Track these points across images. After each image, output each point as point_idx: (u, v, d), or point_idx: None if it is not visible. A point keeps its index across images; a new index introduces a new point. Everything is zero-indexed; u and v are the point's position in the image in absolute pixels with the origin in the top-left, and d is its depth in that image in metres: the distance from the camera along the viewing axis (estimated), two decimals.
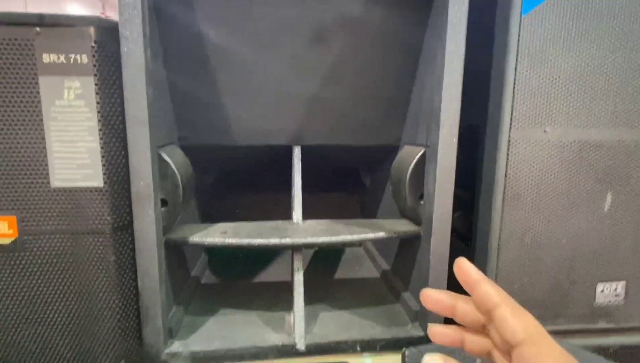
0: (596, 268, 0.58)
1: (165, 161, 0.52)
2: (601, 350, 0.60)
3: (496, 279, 0.57)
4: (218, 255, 0.86)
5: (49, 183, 0.47)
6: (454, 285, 0.56)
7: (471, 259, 0.60)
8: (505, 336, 0.25)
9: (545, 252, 0.57)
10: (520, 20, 0.51)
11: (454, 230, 0.57)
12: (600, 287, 0.59)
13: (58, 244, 0.48)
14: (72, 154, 0.47)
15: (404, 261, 0.67)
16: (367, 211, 0.93)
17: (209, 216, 0.86)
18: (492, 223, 0.55)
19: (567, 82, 0.53)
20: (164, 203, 0.53)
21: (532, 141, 0.53)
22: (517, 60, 0.52)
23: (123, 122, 0.47)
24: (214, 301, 0.64)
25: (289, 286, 0.67)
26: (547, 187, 0.55)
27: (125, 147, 0.48)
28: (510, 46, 0.51)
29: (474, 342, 0.29)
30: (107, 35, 0.46)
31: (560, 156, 0.54)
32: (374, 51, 0.61)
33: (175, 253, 0.62)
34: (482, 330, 0.30)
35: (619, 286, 0.59)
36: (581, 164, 0.55)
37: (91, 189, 0.48)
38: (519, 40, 0.51)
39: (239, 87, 0.61)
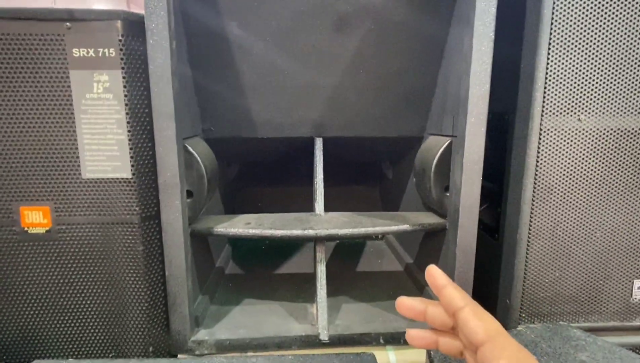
0: (633, 263, 0.55)
1: (190, 152, 0.53)
2: (638, 349, 0.57)
3: (525, 272, 0.55)
4: (241, 246, 0.87)
5: (80, 174, 0.48)
6: (479, 279, 0.55)
7: (499, 252, 0.59)
8: (469, 337, 0.28)
9: (577, 246, 0.54)
10: (553, 3, 0.49)
11: (481, 223, 0.56)
12: (637, 283, 0.56)
13: (90, 234, 0.50)
14: (102, 146, 0.48)
15: (428, 254, 0.66)
16: (389, 203, 0.92)
17: (233, 208, 0.88)
18: (521, 216, 0.53)
19: (603, 68, 0.50)
20: (189, 194, 0.54)
21: (565, 130, 0.51)
22: (549, 44, 0.49)
23: (149, 114, 0.48)
24: (238, 291, 0.65)
25: (311, 278, 0.67)
26: (581, 179, 0.53)
27: (151, 139, 0.49)
28: (543, 29, 0.49)
29: (447, 343, 0.32)
30: (134, 28, 0.47)
31: (595, 146, 0.52)
32: (396, 41, 0.59)
33: (201, 244, 0.63)
34: (453, 332, 0.32)
35: None
36: (618, 154, 0.52)
37: (120, 181, 0.49)
38: (552, 22, 0.49)
39: (261, 80, 0.61)
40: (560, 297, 0.56)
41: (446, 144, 0.56)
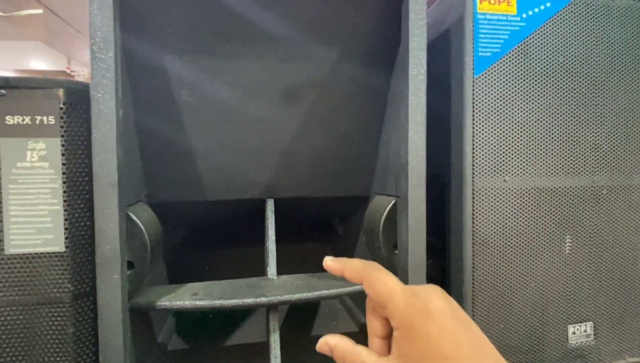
0: (565, 310, 0.60)
1: (133, 221, 0.50)
2: None
3: None
4: (186, 317, 0.80)
5: (2, 249, 0.44)
6: None
7: None
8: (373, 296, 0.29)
9: (517, 297, 0.58)
10: (473, 80, 0.56)
11: (428, 278, 0.58)
12: (571, 329, 0.60)
13: (9, 317, 0.44)
14: (32, 218, 0.44)
15: None
16: None
17: (178, 275, 0.82)
18: (464, 271, 0.56)
19: (521, 135, 0.58)
20: (130, 265, 0.50)
21: (494, 190, 0.57)
22: (473, 116, 0.56)
23: (89, 183, 0.46)
24: None
25: (264, 347, 0.63)
26: (512, 233, 0.58)
27: (90, 209, 0.46)
28: (466, 104, 0.56)
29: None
30: (77, 96, 0.46)
31: (520, 203, 0.58)
32: (343, 106, 0.64)
33: (141, 319, 0.57)
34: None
35: (588, 327, 0.61)
36: (540, 210, 0.58)
37: (51, 255, 0.45)
38: (473, 98, 0.56)
39: (210, 145, 0.62)
40: (506, 348, 0.58)
41: (391, 204, 0.59)
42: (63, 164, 0.45)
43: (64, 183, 0.45)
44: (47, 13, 2.59)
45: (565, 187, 0.59)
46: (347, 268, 0.31)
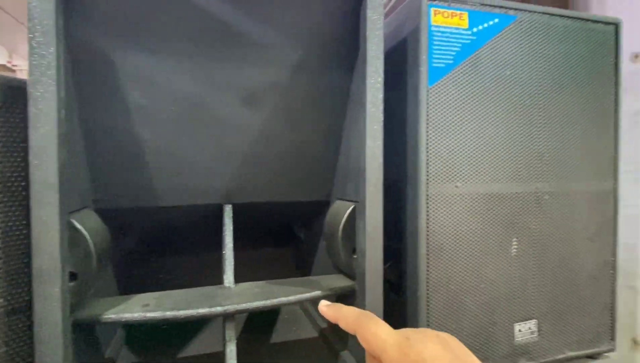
0: (512, 309, 0.63)
1: (76, 228, 0.47)
2: None
3: (428, 326, 0.59)
4: (137, 329, 0.76)
5: None
6: None
7: (404, 308, 0.62)
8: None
9: (468, 297, 0.61)
10: (427, 90, 0.59)
11: (386, 281, 0.59)
12: (517, 327, 0.64)
13: None
14: None
15: None
16: (302, 265, 0.92)
17: (130, 285, 0.78)
18: (419, 274, 0.58)
19: (472, 143, 0.60)
20: (73, 276, 0.47)
21: (446, 195, 0.59)
22: (427, 124, 0.58)
23: (26, 189, 0.42)
24: None
25: (221, 358, 0.61)
26: (463, 237, 0.60)
27: (26, 217, 0.43)
28: (421, 112, 0.58)
29: None
30: (15, 95, 0.42)
31: (471, 208, 0.60)
32: (303, 111, 0.64)
33: (85, 334, 0.54)
34: None
35: (532, 324, 0.65)
36: (489, 215, 0.61)
37: None
38: (428, 107, 0.58)
39: (164, 148, 0.59)
40: None
41: (351, 209, 0.60)
42: None
43: None
44: None
45: (511, 193, 0.62)
46: (340, 317, 0.32)
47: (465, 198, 0.60)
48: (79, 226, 0.47)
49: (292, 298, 0.55)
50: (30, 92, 0.40)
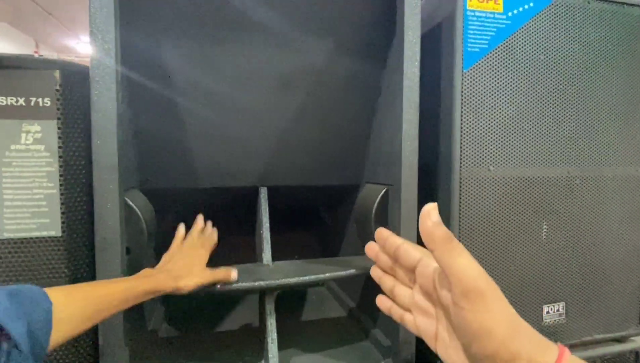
0: (540, 291, 0.64)
1: (130, 206, 0.50)
2: None
3: None
4: (175, 305, 0.80)
5: None
6: None
7: None
8: (409, 261, 0.30)
9: (497, 280, 0.62)
10: (462, 75, 0.59)
11: None
12: (545, 308, 0.65)
13: None
14: (27, 202, 0.43)
15: (371, 298, 0.68)
16: (328, 248, 0.95)
17: None
18: None
19: (504, 127, 0.61)
20: (127, 251, 0.50)
21: (479, 179, 0.60)
22: (461, 108, 0.59)
23: (86, 167, 0.45)
24: (177, 357, 0.60)
25: (254, 332, 0.65)
26: (494, 220, 0.61)
27: (87, 193, 0.46)
28: (455, 97, 0.59)
29: (401, 293, 0.32)
30: (73, 78, 0.45)
31: (503, 192, 0.61)
32: (336, 96, 0.65)
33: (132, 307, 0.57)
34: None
35: (560, 307, 0.66)
36: (520, 199, 0.62)
37: (47, 239, 0.44)
38: (462, 91, 0.59)
39: (204, 132, 0.62)
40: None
41: (383, 192, 0.62)
42: (59, 147, 0.44)
43: (60, 166, 0.44)
44: None
45: (543, 177, 0.63)
46: (404, 246, 0.30)
47: (497, 182, 0.61)
48: (132, 204, 0.50)
49: (327, 275, 0.57)
50: (93, 76, 0.42)
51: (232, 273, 0.50)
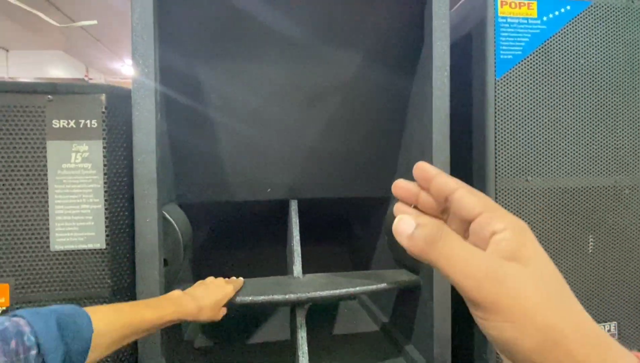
0: (589, 310, 0.60)
1: (167, 219, 0.52)
2: None
3: None
4: None
5: (48, 246, 0.46)
6: (458, 332, 0.57)
7: None
8: (463, 213, 0.24)
9: None
10: (495, 82, 0.57)
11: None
12: None
13: None
14: (75, 217, 0.46)
15: (404, 312, 0.67)
16: (359, 261, 0.94)
17: (202, 273, 0.84)
18: None
19: (543, 135, 0.58)
20: (164, 262, 0.52)
21: (516, 190, 0.58)
22: (495, 117, 0.57)
23: (128, 183, 0.48)
24: None
25: (286, 346, 0.65)
26: (534, 233, 0.58)
27: (128, 208, 0.48)
28: (488, 105, 0.57)
29: (428, 201, 0.26)
30: (117, 101, 0.48)
31: (543, 204, 0.58)
32: (365, 108, 0.66)
33: None
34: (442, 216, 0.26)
35: (612, 327, 0.61)
36: (562, 210, 0.59)
37: (92, 252, 0.47)
38: (495, 99, 0.57)
39: (237, 147, 0.64)
40: None
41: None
42: (104, 165, 0.47)
43: (105, 182, 0.47)
44: (67, 21, 2.67)
45: (587, 187, 0.59)
46: (440, 176, 0.24)
47: (537, 193, 0.58)
48: (169, 217, 0.52)
49: (358, 289, 0.57)
50: (134, 98, 0.45)
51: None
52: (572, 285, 0.59)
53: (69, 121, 0.46)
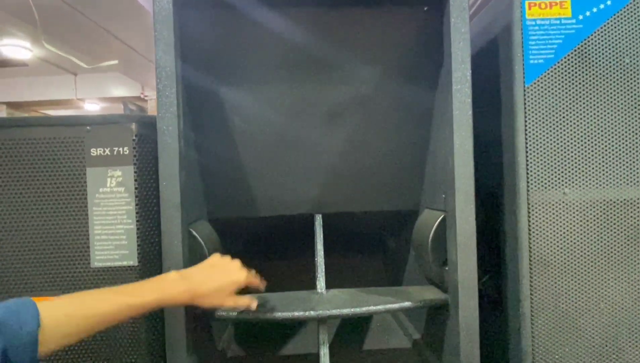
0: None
1: (194, 236, 0.55)
2: None
3: (533, 347, 0.54)
4: (245, 326, 0.85)
5: (89, 263, 0.51)
6: (485, 356, 0.53)
7: (505, 327, 0.58)
8: None
9: (584, 319, 0.54)
10: (524, 89, 0.54)
11: (484, 295, 0.56)
12: None
13: None
14: (111, 236, 0.51)
15: (434, 330, 0.64)
16: (393, 274, 0.92)
17: None
18: (521, 290, 0.53)
19: (582, 143, 0.54)
20: None
21: (552, 203, 0.53)
22: (525, 126, 0.54)
23: (157, 204, 0.52)
24: None
25: (314, 359, 0.65)
26: (575, 250, 0.54)
27: (157, 227, 0.52)
28: (518, 114, 0.54)
29: None
30: (146, 128, 0.52)
31: (583, 217, 0.53)
32: (387, 121, 0.65)
33: (202, 326, 0.62)
34: None
35: None
36: (607, 224, 0.54)
37: (126, 268, 0.51)
38: (525, 107, 0.54)
39: (263, 165, 0.66)
40: None
41: (440, 219, 0.58)
42: (136, 188, 0.51)
43: (136, 205, 0.51)
44: (123, 46, 2.95)
45: (634, 198, 0.53)
46: None
47: (576, 206, 0.53)
48: (196, 234, 0.55)
49: (380, 307, 0.56)
50: (159, 126, 0.49)
51: (253, 303, 0.49)
52: (623, 306, 0.54)
53: (105, 148, 0.51)
